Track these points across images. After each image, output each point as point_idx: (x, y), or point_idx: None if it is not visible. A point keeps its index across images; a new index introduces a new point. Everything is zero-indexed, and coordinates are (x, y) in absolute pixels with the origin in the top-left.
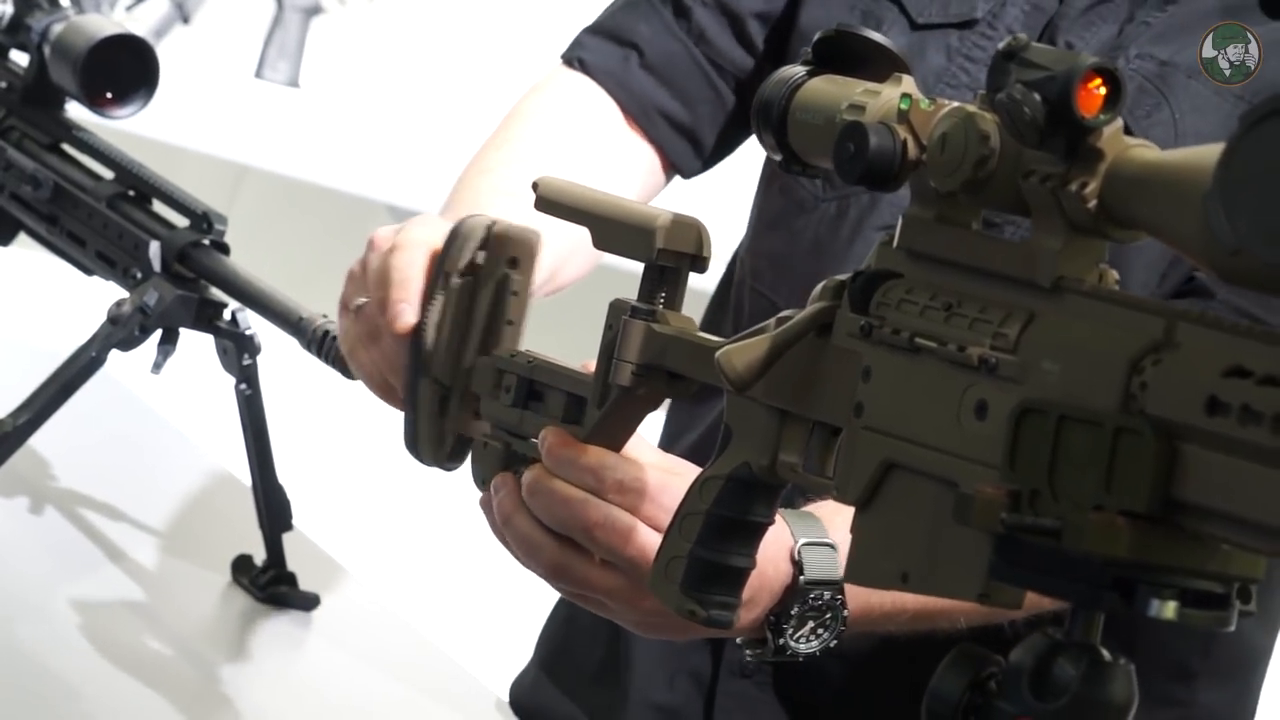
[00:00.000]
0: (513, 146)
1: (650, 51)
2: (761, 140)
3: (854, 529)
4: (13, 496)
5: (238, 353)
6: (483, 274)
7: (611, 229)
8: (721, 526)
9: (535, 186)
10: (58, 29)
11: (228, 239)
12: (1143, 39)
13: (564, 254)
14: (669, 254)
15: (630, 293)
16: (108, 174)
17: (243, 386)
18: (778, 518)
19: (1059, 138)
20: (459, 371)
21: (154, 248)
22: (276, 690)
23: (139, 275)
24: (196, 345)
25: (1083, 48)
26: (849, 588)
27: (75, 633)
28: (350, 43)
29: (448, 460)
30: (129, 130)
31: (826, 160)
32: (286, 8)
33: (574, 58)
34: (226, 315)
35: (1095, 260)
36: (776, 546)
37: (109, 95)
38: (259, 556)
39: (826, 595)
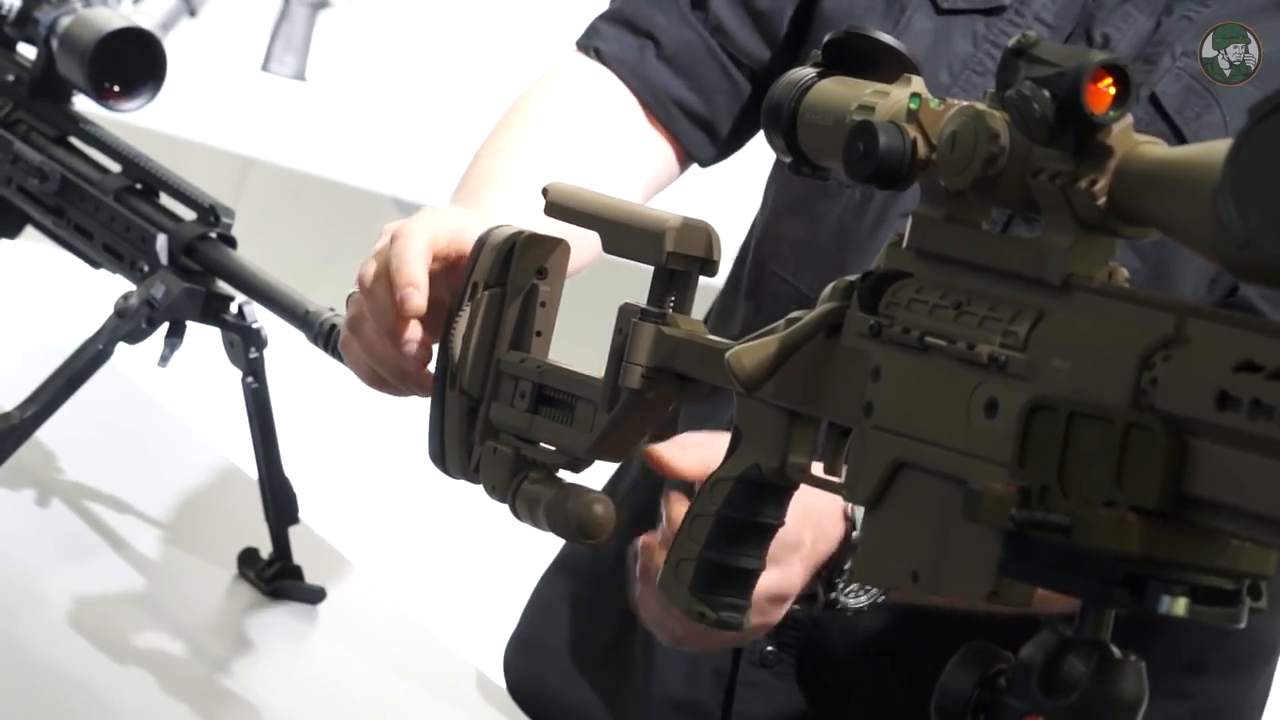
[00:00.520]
0: (527, 127)
1: (667, 41)
2: (771, 142)
3: (864, 528)
4: (19, 489)
5: (244, 346)
6: (511, 285)
7: (621, 233)
8: (731, 528)
9: (545, 192)
10: (65, 22)
11: (234, 232)
12: (1187, 35)
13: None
14: (679, 257)
15: (640, 293)
16: (115, 167)
17: (249, 380)
18: None
19: (1068, 135)
20: (487, 384)
21: (161, 241)
22: (281, 683)
23: (146, 268)
24: (203, 338)
25: (1119, 39)
26: None
27: (81, 625)
28: (356, 36)
29: (475, 473)
30: (136, 123)
31: (837, 161)
32: (293, 1)
33: (590, 46)
34: (233, 308)
35: (1105, 257)
36: (830, 502)
37: (116, 88)
38: (265, 549)
39: None
